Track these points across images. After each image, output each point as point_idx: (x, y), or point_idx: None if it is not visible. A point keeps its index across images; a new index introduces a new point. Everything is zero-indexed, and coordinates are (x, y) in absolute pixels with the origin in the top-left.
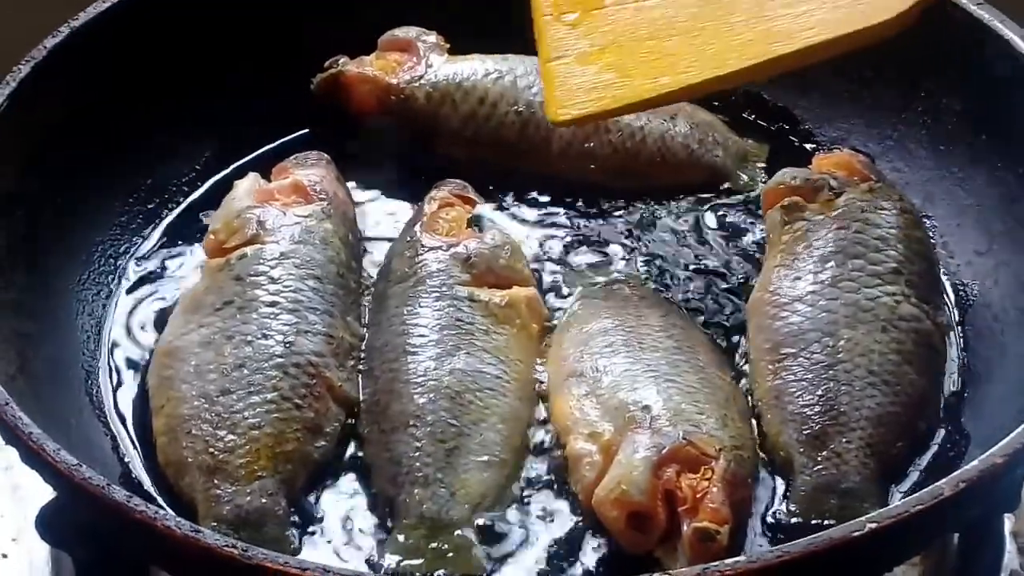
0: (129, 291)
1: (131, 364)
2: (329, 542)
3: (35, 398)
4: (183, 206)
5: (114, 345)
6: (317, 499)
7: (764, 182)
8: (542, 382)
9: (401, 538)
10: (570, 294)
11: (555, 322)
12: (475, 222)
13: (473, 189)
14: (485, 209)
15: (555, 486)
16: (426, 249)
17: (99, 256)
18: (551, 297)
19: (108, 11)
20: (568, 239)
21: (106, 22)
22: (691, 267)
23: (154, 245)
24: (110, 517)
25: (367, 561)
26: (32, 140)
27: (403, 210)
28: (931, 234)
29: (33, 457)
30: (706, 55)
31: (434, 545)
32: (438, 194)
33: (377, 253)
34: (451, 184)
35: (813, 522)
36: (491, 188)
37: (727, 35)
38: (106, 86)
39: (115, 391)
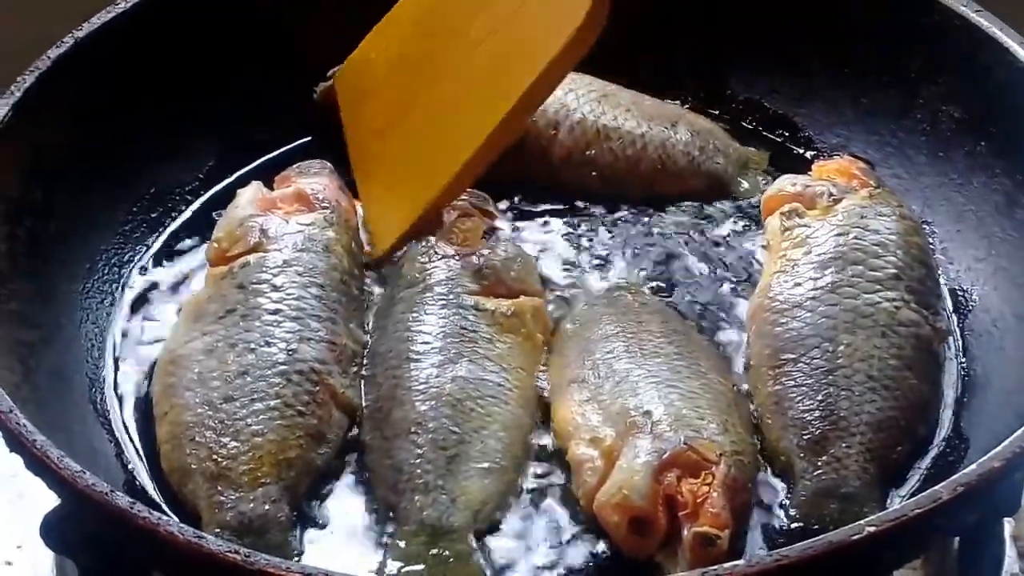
0: (132, 299)
1: (135, 372)
2: (331, 548)
3: (39, 405)
4: (186, 214)
5: (118, 353)
6: (319, 505)
7: (764, 189)
8: (544, 388)
9: (402, 544)
10: (572, 302)
11: (557, 329)
12: (490, 234)
13: (492, 202)
14: (503, 223)
15: (556, 491)
16: (438, 256)
17: (102, 264)
18: (552, 304)
19: (111, 22)
20: (569, 246)
21: (109, 33)
22: (692, 273)
23: (157, 253)
24: (114, 524)
25: (368, 567)
26: (36, 150)
27: None
28: (930, 240)
29: (37, 464)
30: (466, 130)
31: (435, 552)
32: (457, 204)
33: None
34: (473, 196)
35: (814, 527)
36: (491, 196)
37: (474, 106)
38: (109, 96)
39: (119, 399)
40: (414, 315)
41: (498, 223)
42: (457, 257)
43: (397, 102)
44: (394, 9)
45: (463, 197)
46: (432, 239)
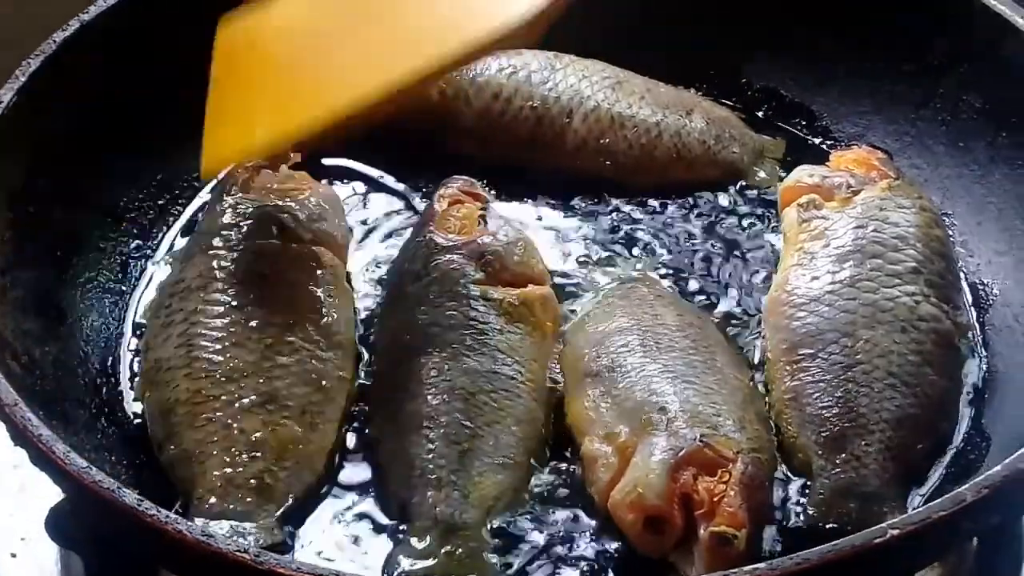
0: (139, 289)
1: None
2: (342, 546)
3: (44, 398)
4: (195, 202)
5: (125, 345)
6: (330, 501)
7: (781, 179)
8: (557, 383)
9: (414, 541)
10: (585, 293)
11: (570, 321)
12: (484, 219)
13: (481, 185)
14: (494, 205)
15: (570, 488)
16: (439, 248)
17: (108, 253)
18: (566, 296)
19: (118, 5)
20: (583, 237)
21: (116, 16)
22: (707, 265)
23: (164, 242)
24: (120, 520)
25: (380, 565)
26: (41, 135)
27: (408, 206)
28: (951, 233)
29: (43, 459)
30: (363, 68)
31: (447, 548)
32: (447, 192)
33: (379, 249)
34: (459, 181)
35: (832, 526)
36: (504, 184)
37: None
38: (116, 81)
39: (125, 391)
40: (421, 308)
41: (489, 205)
42: (458, 246)
43: (292, 57)
44: None
45: (451, 184)
46: (428, 231)
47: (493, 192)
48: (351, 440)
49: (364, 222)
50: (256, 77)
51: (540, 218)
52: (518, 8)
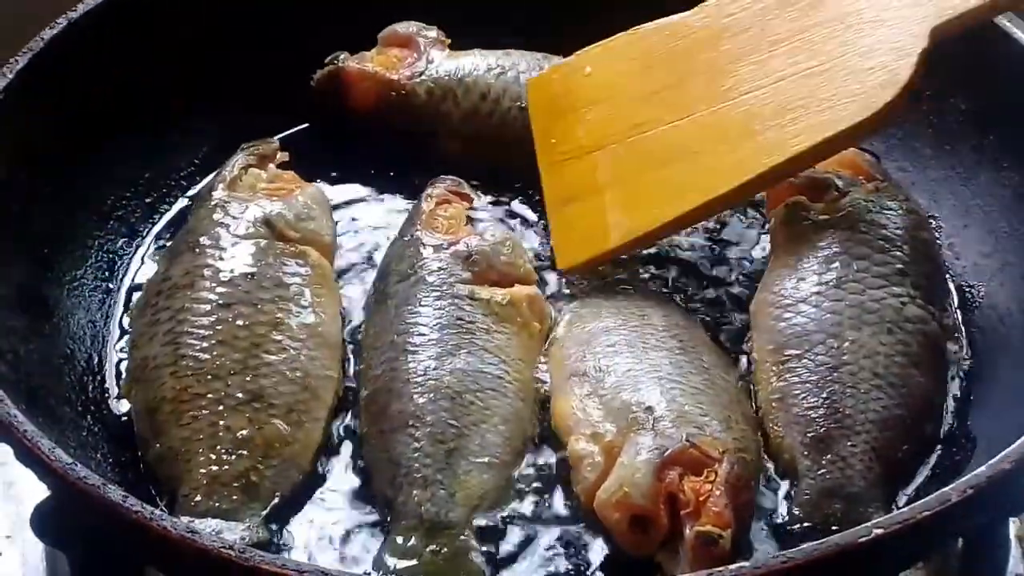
0: (125, 287)
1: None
2: (327, 544)
3: (30, 395)
4: (182, 201)
5: (111, 342)
6: (315, 499)
7: None
8: (544, 382)
9: (400, 540)
10: (572, 293)
11: (557, 321)
12: (471, 219)
13: (467, 184)
14: (481, 204)
15: (556, 487)
16: (426, 248)
17: (95, 251)
18: (552, 296)
19: (106, 3)
20: None
21: (104, 14)
22: (694, 266)
23: (151, 239)
24: (105, 517)
25: (365, 563)
26: (27, 133)
27: (397, 206)
28: (937, 235)
29: (28, 455)
30: (704, 178)
31: (433, 547)
32: (434, 191)
33: (366, 248)
34: (446, 180)
35: (817, 526)
36: (492, 185)
37: (723, 154)
38: (104, 79)
39: (111, 388)
40: (408, 308)
41: (476, 204)
42: (445, 246)
43: (617, 125)
44: (628, 35)
45: (438, 183)
46: (415, 230)
47: (481, 192)
48: (337, 438)
49: (352, 221)
50: (596, 160)
51: (527, 219)
52: (879, 96)
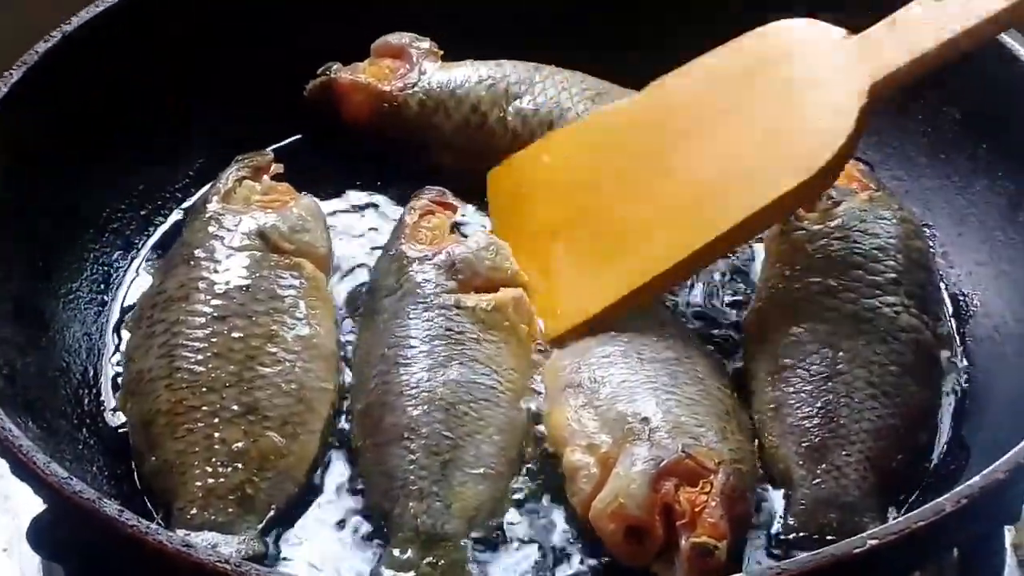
0: (121, 299)
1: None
2: (323, 557)
3: (25, 409)
4: (176, 213)
5: (106, 354)
6: (311, 513)
7: None
8: (539, 392)
9: (396, 552)
10: None
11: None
12: (458, 227)
13: (452, 194)
14: (467, 211)
15: (551, 498)
16: (411, 260)
17: (90, 263)
18: None
19: (100, 17)
20: None
21: (99, 27)
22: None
23: (146, 252)
24: (101, 531)
25: None
26: (22, 145)
27: (391, 217)
28: (931, 244)
29: (23, 470)
30: (655, 252)
31: (430, 559)
32: (417, 203)
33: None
34: (431, 191)
35: (812, 536)
36: (483, 195)
37: (673, 229)
38: (98, 91)
39: (107, 401)
40: (398, 321)
41: (461, 212)
42: (429, 257)
43: (578, 206)
44: (582, 122)
45: (422, 195)
46: (399, 243)
47: (471, 205)
48: (332, 451)
49: (346, 233)
50: (563, 239)
51: None
52: (818, 156)
